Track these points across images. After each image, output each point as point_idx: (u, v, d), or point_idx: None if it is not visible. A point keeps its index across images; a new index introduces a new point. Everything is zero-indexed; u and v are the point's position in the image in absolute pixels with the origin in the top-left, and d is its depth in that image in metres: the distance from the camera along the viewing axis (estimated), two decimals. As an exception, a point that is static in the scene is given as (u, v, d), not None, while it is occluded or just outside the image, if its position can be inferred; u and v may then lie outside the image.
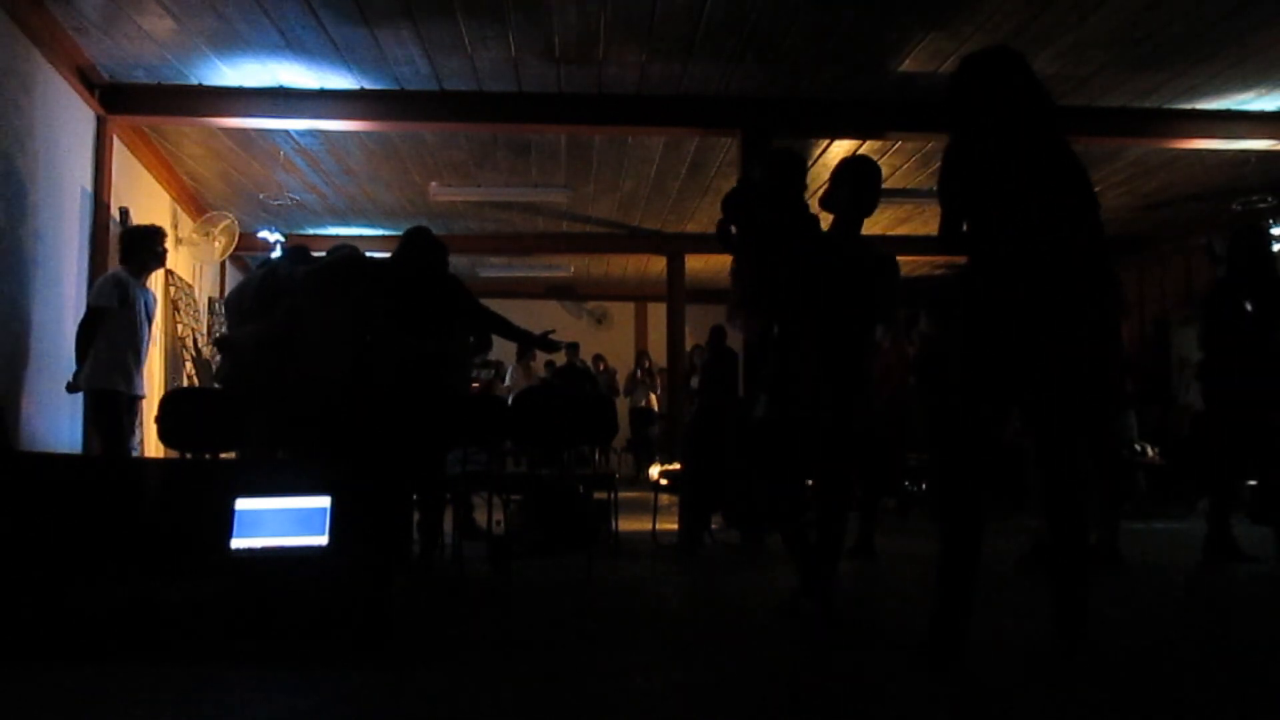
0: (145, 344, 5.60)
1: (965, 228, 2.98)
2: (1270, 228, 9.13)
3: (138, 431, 7.31)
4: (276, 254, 8.61)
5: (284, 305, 5.20)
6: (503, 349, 9.52)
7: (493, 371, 9.26)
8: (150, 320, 5.70)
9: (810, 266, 3.65)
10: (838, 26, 5.70)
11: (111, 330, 5.29)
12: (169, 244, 8.78)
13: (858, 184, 3.77)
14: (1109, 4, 5.38)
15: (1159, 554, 5.79)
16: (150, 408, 7.29)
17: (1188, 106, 6.91)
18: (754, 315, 3.83)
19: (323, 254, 5.73)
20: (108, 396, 5.27)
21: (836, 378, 3.55)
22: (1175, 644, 3.44)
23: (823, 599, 3.57)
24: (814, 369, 3.54)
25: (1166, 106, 6.90)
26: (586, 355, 12.68)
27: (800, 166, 3.97)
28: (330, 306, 4.79)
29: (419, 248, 5.09)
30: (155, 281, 8.40)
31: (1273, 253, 5.43)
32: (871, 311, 3.75)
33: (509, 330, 5.39)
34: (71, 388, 5.34)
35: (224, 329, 7.37)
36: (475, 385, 8.02)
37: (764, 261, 3.73)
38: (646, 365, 13.65)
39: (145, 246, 5.64)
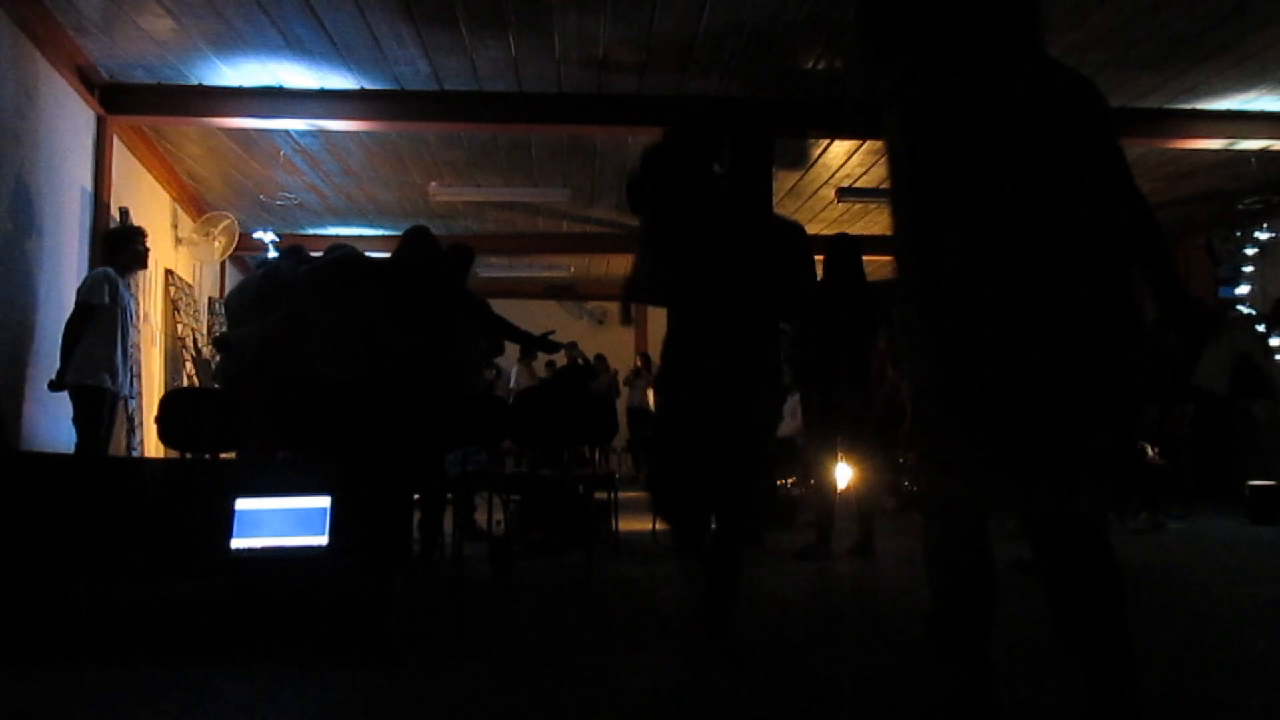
0: (131, 344, 5.55)
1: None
2: (1260, 231, 9.16)
3: (138, 431, 7.32)
4: (272, 254, 8.61)
5: (285, 305, 5.20)
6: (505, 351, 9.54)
7: (494, 372, 9.26)
8: (132, 322, 5.65)
9: (695, 250, 3.08)
10: (837, 27, 5.71)
11: (100, 327, 5.25)
12: (169, 244, 8.87)
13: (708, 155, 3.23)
14: (1109, 4, 5.38)
15: (1157, 555, 5.78)
16: (150, 408, 7.30)
17: (1188, 106, 6.91)
18: (636, 299, 3.35)
19: (320, 254, 5.72)
20: (93, 392, 5.23)
21: (727, 376, 3.03)
22: (1176, 645, 3.44)
23: (711, 630, 3.09)
24: (700, 366, 3.06)
25: (1166, 106, 6.90)
26: (587, 355, 12.67)
27: (706, 138, 3.30)
28: (331, 306, 4.80)
29: (418, 247, 5.09)
30: (155, 282, 8.42)
31: None
32: (775, 299, 3.15)
33: (510, 332, 5.40)
34: (55, 386, 5.26)
35: (223, 329, 7.33)
36: (475, 385, 8.02)
37: (656, 245, 3.19)
38: (643, 363, 13.63)
39: (128, 247, 5.61)
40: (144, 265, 5.83)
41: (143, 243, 5.70)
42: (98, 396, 5.24)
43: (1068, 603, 2.09)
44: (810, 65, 6.26)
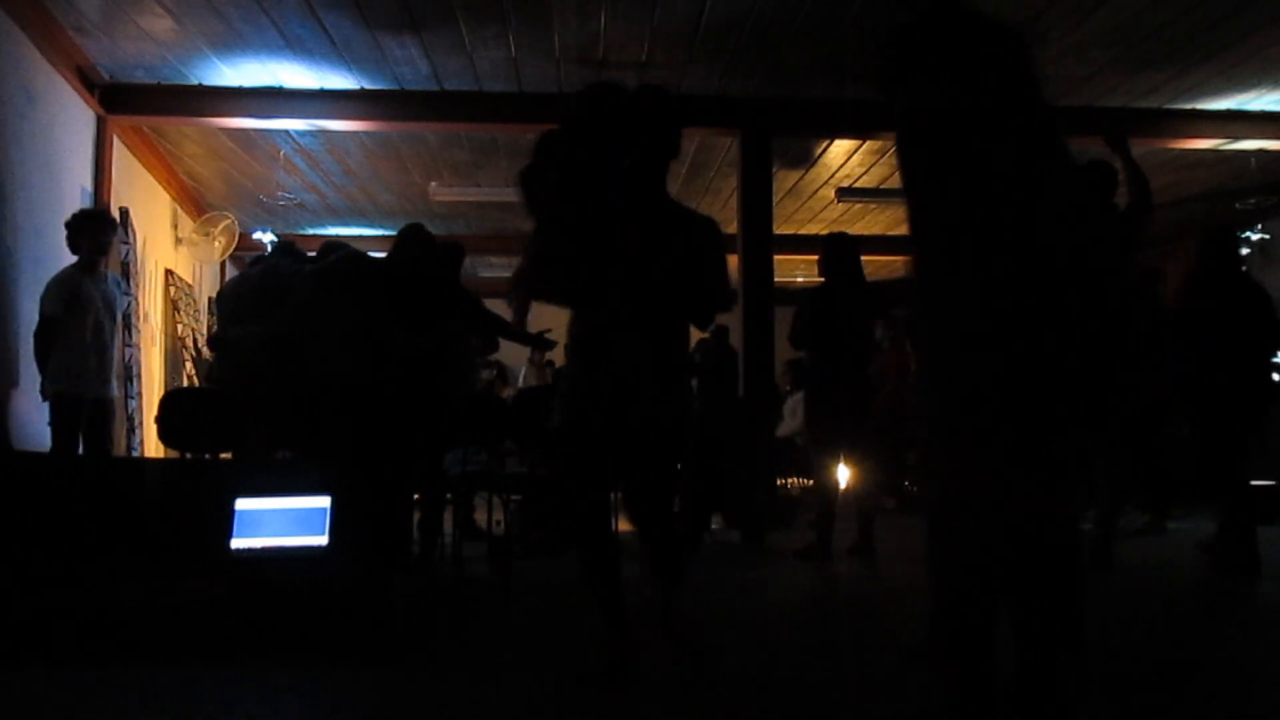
0: (110, 340, 5.41)
1: None
2: (1252, 232, 9.15)
3: (138, 431, 7.32)
4: (268, 252, 8.59)
5: (289, 305, 5.19)
6: (510, 351, 9.54)
7: (494, 371, 9.25)
8: (115, 311, 5.49)
9: (598, 232, 2.81)
10: (838, 26, 5.71)
11: (67, 336, 5.14)
12: (169, 244, 8.87)
13: (635, 120, 2.90)
14: (1109, 4, 5.38)
15: (1157, 555, 5.78)
16: (150, 408, 7.29)
17: (1188, 106, 6.91)
18: (530, 293, 3.02)
19: (314, 252, 5.71)
20: (67, 402, 5.15)
21: (633, 372, 2.77)
22: (1176, 645, 3.44)
23: (670, 630, 2.88)
24: (608, 364, 2.80)
25: (1166, 106, 6.90)
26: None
27: (610, 102, 2.95)
28: (335, 306, 4.79)
29: (414, 245, 5.07)
30: (155, 282, 8.43)
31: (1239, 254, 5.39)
32: (684, 292, 2.84)
33: (507, 330, 5.38)
34: (43, 395, 5.22)
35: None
36: (475, 385, 8.01)
37: (552, 225, 2.87)
38: None
39: (82, 238, 5.29)
40: (104, 253, 5.49)
41: (98, 232, 5.35)
42: (71, 406, 5.16)
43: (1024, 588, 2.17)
44: (811, 64, 6.26)
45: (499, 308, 5.78)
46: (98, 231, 5.36)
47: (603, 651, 2.78)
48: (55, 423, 5.20)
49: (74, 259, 5.35)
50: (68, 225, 5.35)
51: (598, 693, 2.68)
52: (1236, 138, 7.18)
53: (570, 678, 2.78)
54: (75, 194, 6.39)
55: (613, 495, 3.06)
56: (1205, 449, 4.97)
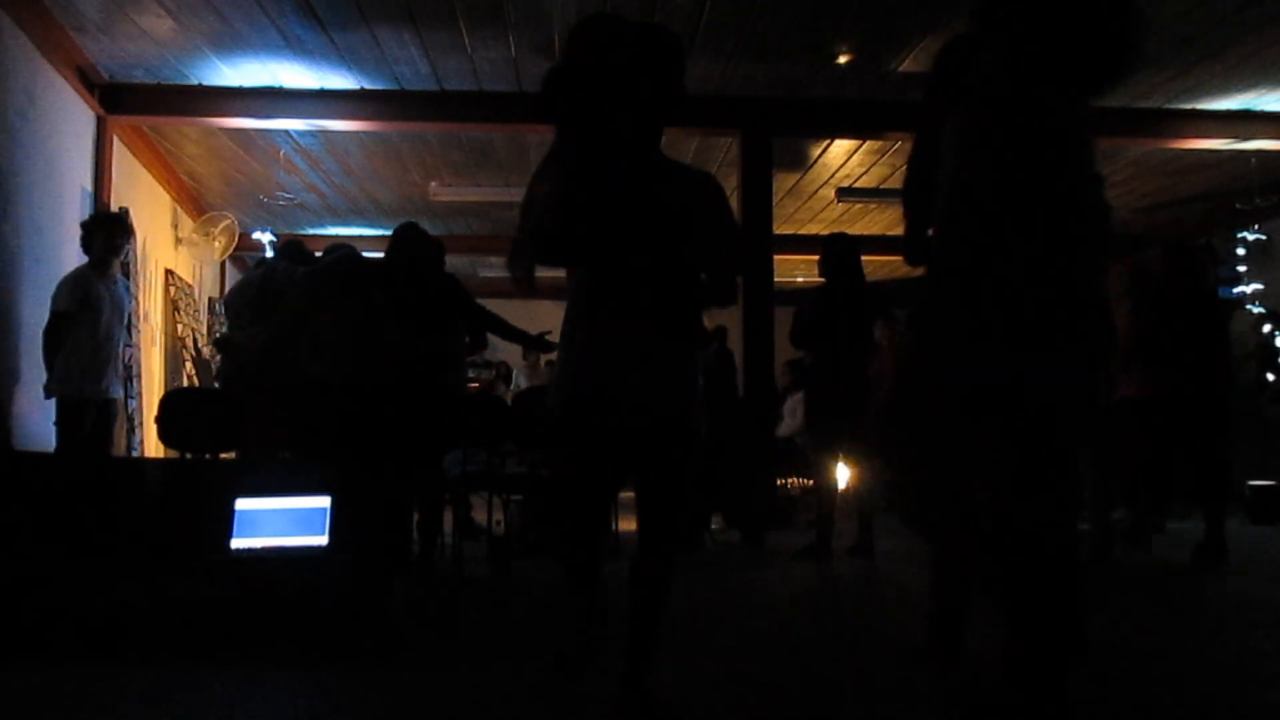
0: (116, 341, 5.44)
1: None
2: (1251, 232, 9.15)
3: (138, 431, 7.32)
4: (270, 254, 8.60)
5: (285, 306, 5.20)
6: (514, 352, 9.54)
7: (494, 372, 9.24)
8: (123, 313, 5.53)
9: (602, 194, 2.41)
10: (838, 27, 5.71)
11: (76, 334, 5.17)
12: (169, 244, 8.87)
13: (644, 64, 2.40)
14: (1109, 4, 5.38)
15: (1157, 555, 5.77)
16: (150, 408, 7.29)
17: (1188, 106, 6.91)
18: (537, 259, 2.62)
19: (319, 253, 5.71)
20: (73, 403, 5.17)
21: (635, 361, 2.42)
22: (1175, 645, 3.44)
23: (634, 696, 2.45)
24: (605, 348, 2.46)
25: (1166, 106, 6.90)
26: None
27: (611, 37, 2.45)
28: (332, 307, 4.79)
29: (409, 244, 5.06)
30: (155, 282, 8.43)
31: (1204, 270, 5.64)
32: (691, 264, 2.48)
33: (506, 330, 5.38)
34: (48, 393, 5.24)
35: (224, 329, 7.30)
36: (475, 385, 8.02)
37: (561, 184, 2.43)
38: None
39: (96, 238, 5.35)
40: (118, 255, 5.52)
41: (113, 235, 5.40)
42: (76, 407, 5.18)
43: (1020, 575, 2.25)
44: (811, 64, 6.26)
45: (497, 307, 5.77)
46: (112, 234, 5.42)
47: (569, 635, 2.59)
48: (61, 424, 5.21)
49: (76, 258, 5.36)
50: (84, 225, 5.44)
51: (597, 693, 2.68)
52: (1237, 138, 7.18)
53: (569, 678, 2.77)
54: (75, 194, 6.39)
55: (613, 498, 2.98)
56: (1178, 450, 5.40)
